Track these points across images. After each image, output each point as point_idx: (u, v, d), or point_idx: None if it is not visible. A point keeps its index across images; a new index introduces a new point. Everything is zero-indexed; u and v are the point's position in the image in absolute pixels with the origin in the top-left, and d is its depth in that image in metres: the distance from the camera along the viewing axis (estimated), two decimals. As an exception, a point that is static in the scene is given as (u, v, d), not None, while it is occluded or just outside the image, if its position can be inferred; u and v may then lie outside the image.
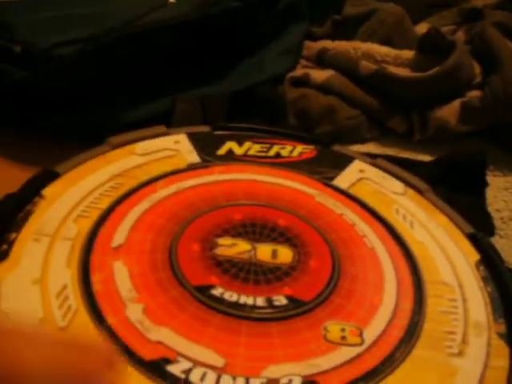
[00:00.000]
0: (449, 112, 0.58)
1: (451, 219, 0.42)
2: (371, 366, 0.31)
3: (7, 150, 0.50)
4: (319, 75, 0.61)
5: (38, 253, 0.34)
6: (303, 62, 0.65)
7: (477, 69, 0.61)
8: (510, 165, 0.56)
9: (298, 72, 0.62)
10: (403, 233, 0.40)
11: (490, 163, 0.53)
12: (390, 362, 0.31)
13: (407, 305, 0.35)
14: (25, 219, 0.37)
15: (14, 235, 0.35)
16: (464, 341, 0.33)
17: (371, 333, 0.33)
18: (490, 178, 0.53)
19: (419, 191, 0.45)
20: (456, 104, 0.58)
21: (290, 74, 0.62)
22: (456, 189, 0.46)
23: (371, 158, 0.48)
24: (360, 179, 0.45)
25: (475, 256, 0.39)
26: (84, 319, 0.31)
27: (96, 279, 0.33)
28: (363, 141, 0.59)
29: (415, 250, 0.39)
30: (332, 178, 0.45)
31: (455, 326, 0.34)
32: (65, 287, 0.32)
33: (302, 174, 0.44)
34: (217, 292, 0.33)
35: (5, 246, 0.35)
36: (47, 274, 0.33)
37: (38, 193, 0.39)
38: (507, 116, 0.57)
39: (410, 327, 0.33)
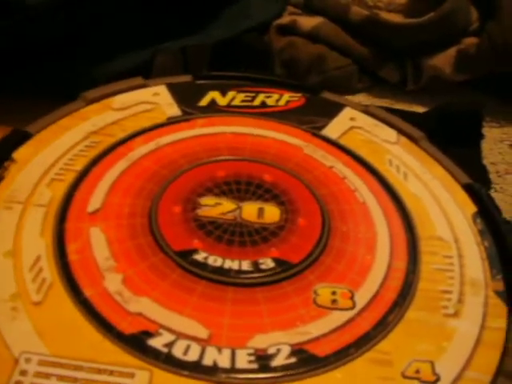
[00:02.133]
0: (444, 60, 0.55)
1: (447, 169, 0.40)
2: (363, 331, 0.29)
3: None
4: (307, 22, 0.58)
5: (10, 222, 0.32)
6: (290, 8, 0.62)
7: (474, 14, 0.58)
8: (506, 115, 0.54)
9: (285, 19, 0.59)
10: (396, 185, 0.38)
11: (486, 114, 0.51)
12: (382, 326, 0.30)
13: (401, 264, 0.33)
14: (-6, 185, 0.35)
15: (-17, 203, 0.33)
16: (460, 300, 0.31)
17: (363, 295, 0.31)
18: (485, 130, 0.51)
19: (413, 140, 0.42)
20: (451, 52, 0.55)
21: (277, 22, 0.59)
22: (450, 141, 0.44)
23: (363, 106, 0.45)
24: (351, 128, 0.43)
25: (472, 208, 0.37)
26: (60, 293, 0.29)
27: (72, 248, 0.31)
28: (354, 91, 0.56)
29: (409, 204, 0.37)
30: (321, 128, 0.42)
31: (451, 284, 0.32)
32: (38, 259, 0.31)
33: (290, 125, 0.42)
34: (200, 257, 0.32)
35: (-27, 216, 0.33)
36: (20, 245, 0.31)
37: (9, 156, 0.36)
38: (505, 65, 0.54)
39: (403, 288, 0.32)
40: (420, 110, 0.53)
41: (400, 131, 0.43)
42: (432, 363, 0.28)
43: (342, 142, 0.41)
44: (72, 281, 0.30)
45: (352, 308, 0.30)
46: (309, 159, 0.39)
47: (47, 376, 0.26)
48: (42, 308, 0.28)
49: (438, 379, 0.28)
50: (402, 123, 0.44)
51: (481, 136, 0.48)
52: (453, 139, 0.44)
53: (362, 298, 0.31)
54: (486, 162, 0.48)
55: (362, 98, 0.55)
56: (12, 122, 0.39)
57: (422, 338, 0.30)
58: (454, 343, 0.30)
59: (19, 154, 0.37)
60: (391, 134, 0.43)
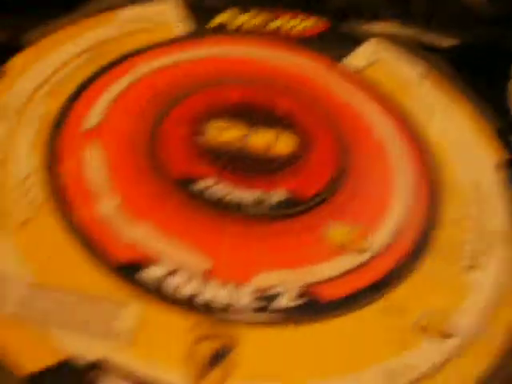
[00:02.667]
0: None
1: (475, 109, 0.37)
2: (376, 277, 0.27)
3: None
4: None
5: (1, 132, 0.30)
6: None
7: None
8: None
9: None
10: (419, 124, 0.35)
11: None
12: (396, 274, 0.27)
13: (419, 209, 0.30)
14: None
15: (-30, 114, 0.30)
16: (480, 252, 0.29)
17: (378, 239, 0.29)
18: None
19: (440, 75, 0.39)
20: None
21: None
22: (476, 78, 0.40)
23: (388, 36, 0.42)
24: (375, 59, 0.39)
25: (498, 154, 0.34)
26: (49, 213, 0.27)
27: (65, 166, 0.29)
28: (380, 19, 0.52)
29: (432, 145, 0.34)
30: (343, 57, 0.39)
31: (471, 234, 0.30)
32: (28, 176, 0.28)
33: (308, 51, 0.39)
34: (203, 185, 0.29)
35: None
36: (9, 159, 0.29)
37: (2, 65, 0.33)
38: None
39: (421, 235, 0.29)
40: (447, 43, 0.49)
41: (426, 66, 0.40)
42: (446, 316, 0.26)
43: (365, 73, 0.38)
44: (63, 202, 0.27)
45: (365, 251, 0.28)
46: (327, 89, 0.36)
47: (31, 302, 0.24)
48: (28, 228, 0.26)
49: (451, 333, 0.26)
50: (429, 57, 0.40)
51: (508, 76, 0.44)
52: (479, 77, 0.41)
53: (377, 241, 0.29)
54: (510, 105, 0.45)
55: (387, 28, 0.51)
56: (4, 33, 0.36)
57: (437, 289, 0.27)
58: (470, 296, 0.27)
59: (10, 66, 0.34)
60: (417, 68, 0.39)
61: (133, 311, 0.24)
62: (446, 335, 0.26)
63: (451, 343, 0.25)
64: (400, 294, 0.27)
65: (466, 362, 0.25)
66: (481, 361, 0.25)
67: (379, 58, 0.40)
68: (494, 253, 0.29)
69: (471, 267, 0.28)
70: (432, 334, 0.26)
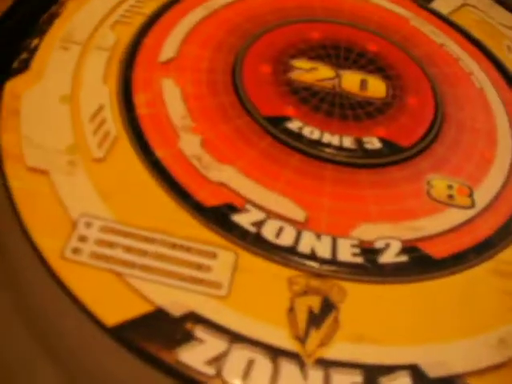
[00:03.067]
0: None
1: None
2: (484, 236, 0.24)
3: None
4: None
5: (67, 63, 0.27)
6: None
7: None
8: None
9: None
10: (515, 73, 0.32)
11: None
12: (506, 232, 0.25)
13: (527, 163, 0.28)
14: (49, 22, 0.29)
15: (36, 41, 0.28)
16: None
17: (483, 194, 0.26)
18: None
19: (534, 25, 0.36)
20: None
21: None
22: None
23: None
24: (463, 4, 0.36)
25: None
26: (126, 150, 0.24)
27: (140, 100, 0.26)
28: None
29: (532, 95, 0.31)
30: (430, 0, 0.35)
31: None
32: (101, 108, 0.25)
33: (394, -7, 0.35)
34: (294, 126, 0.26)
35: (25, 55, 0.27)
36: (79, 90, 0.26)
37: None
38: None
39: (531, 189, 0.26)
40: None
41: (518, 14, 0.36)
42: None
43: (454, 19, 0.35)
44: (141, 137, 0.24)
45: (471, 207, 0.25)
46: (417, 33, 0.33)
47: (111, 245, 0.21)
48: (104, 165, 0.23)
49: None
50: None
51: None
52: None
53: (482, 196, 0.26)
54: None
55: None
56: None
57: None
58: None
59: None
60: (509, 17, 0.36)
61: (228, 257, 0.21)
62: None
63: None
64: (511, 253, 0.24)
65: None
66: None
67: (467, 3, 0.36)
68: None
69: None
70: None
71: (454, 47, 0.33)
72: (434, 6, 0.35)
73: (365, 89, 0.29)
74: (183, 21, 0.30)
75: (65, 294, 0.20)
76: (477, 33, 0.34)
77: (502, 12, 0.36)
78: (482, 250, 0.24)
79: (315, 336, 0.20)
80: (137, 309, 0.20)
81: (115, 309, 0.20)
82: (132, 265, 0.21)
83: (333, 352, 0.20)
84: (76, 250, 0.21)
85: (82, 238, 0.21)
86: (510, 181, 0.27)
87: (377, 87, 0.29)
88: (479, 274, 0.23)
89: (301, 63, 0.29)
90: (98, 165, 0.23)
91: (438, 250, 0.23)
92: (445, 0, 0.36)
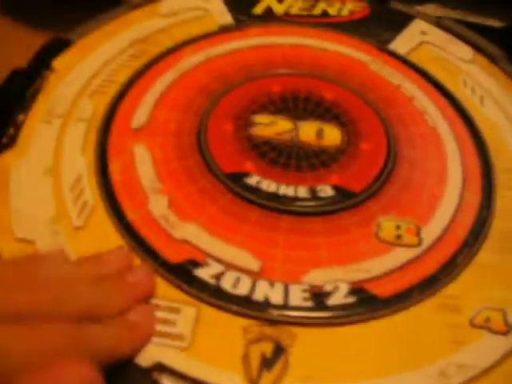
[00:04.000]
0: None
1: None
2: (429, 273, 0.27)
3: (14, 15, 0.43)
4: None
5: (50, 137, 0.30)
6: None
7: None
8: None
9: None
10: (471, 110, 0.34)
11: None
12: (450, 268, 0.27)
13: (473, 198, 0.30)
14: (33, 97, 0.32)
15: (22, 116, 0.31)
16: (540, 242, 0.28)
17: (431, 231, 0.28)
18: None
19: (491, 58, 0.38)
20: None
21: None
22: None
23: (435, 18, 0.40)
24: (421, 43, 0.38)
25: (556, 138, 0.33)
26: (101, 216, 0.27)
27: (115, 167, 0.29)
28: (424, 1, 0.50)
29: (485, 131, 0.33)
30: (388, 42, 0.38)
31: (530, 223, 0.29)
32: (80, 178, 0.28)
33: (353, 37, 0.38)
34: (253, 181, 0.29)
35: (12, 130, 0.30)
36: (60, 161, 0.29)
37: (48, 65, 0.34)
38: None
39: (475, 226, 0.29)
40: (497, 24, 0.47)
41: (476, 48, 0.38)
42: (504, 312, 0.26)
43: (411, 58, 0.37)
44: (114, 203, 0.28)
45: (418, 245, 0.27)
46: (374, 76, 0.35)
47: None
48: (83, 232, 0.26)
49: (509, 330, 0.25)
50: (479, 39, 0.39)
51: None
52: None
53: (430, 234, 0.28)
54: None
55: (432, 9, 0.49)
56: (52, 28, 0.36)
57: (494, 284, 0.27)
58: (529, 287, 0.27)
59: (59, 62, 0.34)
60: (466, 51, 0.38)
61: (189, 314, 0.24)
62: (504, 331, 0.25)
63: (509, 339, 0.25)
64: (455, 288, 0.26)
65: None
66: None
67: (425, 40, 0.39)
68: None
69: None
70: (489, 331, 0.25)
71: (410, 87, 0.35)
72: (393, 46, 0.38)
73: (321, 138, 0.31)
74: (154, 86, 0.33)
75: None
76: (434, 69, 0.37)
77: (459, 46, 0.38)
78: (427, 286, 0.26)
79: (267, 378, 0.23)
80: (110, 362, 0.23)
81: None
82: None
83: (283, 392, 0.23)
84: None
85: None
86: (458, 216, 0.29)
87: (332, 135, 0.31)
88: (423, 310, 0.26)
89: (261, 118, 0.32)
90: (78, 233, 0.26)
91: (383, 290, 0.26)
92: (403, 40, 0.38)
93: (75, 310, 0.21)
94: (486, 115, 0.34)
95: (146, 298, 0.24)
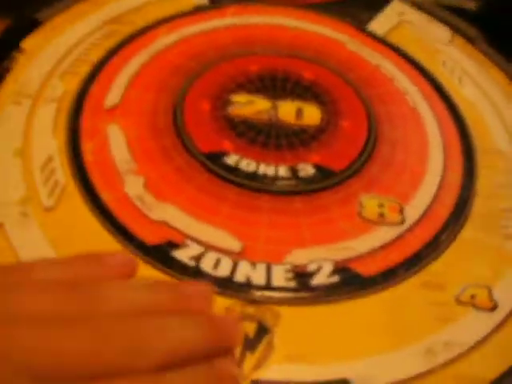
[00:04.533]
0: None
1: (506, 73, 0.35)
2: (413, 251, 0.26)
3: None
4: None
5: (19, 118, 0.29)
6: None
7: None
8: None
9: None
10: (451, 90, 0.34)
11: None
12: (434, 246, 0.26)
13: (455, 177, 0.29)
14: (1, 78, 0.31)
15: (-11, 96, 0.30)
16: (522, 219, 0.28)
17: (413, 210, 0.28)
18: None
19: (469, 39, 0.37)
20: None
21: None
22: (503, 39, 0.38)
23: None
24: (400, 23, 0.38)
25: (535, 117, 0.33)
26: (74, 197, 0.26)
27: (87, 148, 0.28)
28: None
29: (465, 111, 0.33)
30: (367, 22, 0.37)
31: (509, 202, 0.29)
32: (50, 159, 0.27)
33: (331, 17, 0.37)
34: (231, 160, 0.28)
35: (-22, 110, 0.29)
36: (30, 143, 0.28)
37: (16, 45, 0.32)
38: None
39: (458, 204, 0.28)
40: (472, 5, 0.47)
41: (454, 30, 0.38)
42: (489, 288, 0.25)
43: (390, 38, 0.37)
44: (88, 184, 0.26)
45: (401, 223, 0.27)
46: (353, 56, 0.35)
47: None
48: (54, 214, 0.25)
49: (495, 306, 0.25)
50: (457, 20, 0.39)
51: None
52: (504, 38, 0.39)
53: (412, 212, 0.27)
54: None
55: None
56: (21, 7, 0.35)
57: (478, 261, 0.26)
58: (513, 266, 0.26)
59: (28, 43, 0.33)
60: (445, 32, 0.38)
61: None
62: (490, 307, 0.25)
63: (495, 315, 0.25)
64: (440, 266, 0.26)
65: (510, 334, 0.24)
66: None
67: (403, 21, 0.38)
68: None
69: (512, 236, 0.27)
70: (475, 307, 0.25)
71: (389, 67, 0.34)
72: (371, 27, 0.37)
73: (300, 117, 0.30)
74: (127, 66, 0.32)
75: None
76: (413, 50, 0.36)
77: (437, 27, 0.38)
78: (411, 264, 0.26)
79: (250, 360, 0.22)
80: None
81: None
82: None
83: (267, 373, 0.22)
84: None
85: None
86: (440, 195, 0.28)
87: (312, 114, 0.31)
88: (407, 288, 0.25)
89: (239, 97, 0.31)
90: (49, 214, 0.25)
91: (368, 269, 0.25)
92: (381, 20, 0.38)
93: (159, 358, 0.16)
94: (465, 95, 0.34)
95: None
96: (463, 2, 0.47)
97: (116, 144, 0.28)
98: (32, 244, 0.24)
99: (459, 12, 0.42)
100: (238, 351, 0.22)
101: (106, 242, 0.25)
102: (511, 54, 0.37)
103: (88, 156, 0.27)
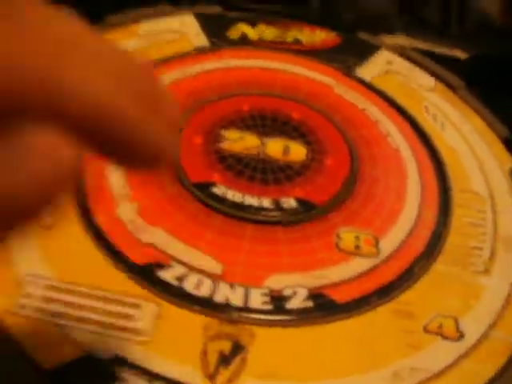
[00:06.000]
0: (492, 1, 0.51)
1: (486, 121, 0.38)
2: (386, 281, 0.28)
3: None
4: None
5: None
6: None
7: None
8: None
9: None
10: (432, 135, 0.36)
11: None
12: (407, 277, 0.28)
13: (430, 214, 0.31)
14: None
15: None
16: (491, 258, 0.29)
17: (388, 243, 0.29)
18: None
19: (452, 88, 0.40)
20: (501, -8, 0.51)
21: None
22: (492, 90, 0.41)
23: (399, 49, 0.42)
24: (386, 71, 0.40)
25: (510, 163, 0.35)
26: (71, 218, 0.28)
27: (85, 173, 0.30)
28: (392, 31, 0.52)
29: (444, 155, 0.35)
30: (355, 68, 0.40)
31: (482, 240, 0.30)
32: (50, 180, 0.29)
33: (321, 63, 0.40)
34: (219, 190, 0.30)
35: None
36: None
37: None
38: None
39: (432, 239, 0.30)
40: (462, 56, 0.50)
41: (438, 78, 0.40)
42: (456, 319, 0.27)
43: (376, 84, 0.39)
44: (84, 206, 0.28)
45: (376, 255, 0.29)
46: (340, 100, 0.37)
47: (52, 300, 0.25)
48: (52, 232, 0.27)
49: (461, 336, 0.26)
50: (441, 70, 0.41)
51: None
52: (495, 88, 0.41)
53: (388, 245, 0.29)
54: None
55: (399, 40, 0.51)
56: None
57: (447, 293, 0.28)
58: (481, 301, 0.28)
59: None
60: (429, 80, 0.40)
61: (150, 310, 0.25)
62: (456, 338, 0.26)
63: (461, 345, 0.26)
64: (411, 296, 0.27)
65: (475, 364, 0.25)
66: (490, 363, 0.26)
67: (390, 69, 0.41)
68: (506, 258, 0.30)
69: (483, 272, 0.29)
70: (442, 337, 0.26)
71: (374, 111, 0.37)
72: (359, 73, 0.39)
73: (287, 154, 0.32)
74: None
75: (8, 342, 0.24)
76: (398, 96, 0.38)
77: (422, 75, 0.40)
78: (384, 293, 0.27)
79: (224, 375, 0.23)
80: (71, 354, 0.23)
81: (51, 354, 0.23)
82: (69, 317, 0.24)
83: (240, 388, 0.23)
84: (22, 306, 0.24)
85: (28, 295, 0.25)
86: (414, 231, 0.30)
87: (298, 151, 0.33)
88: (381, 315, 0.27)
89: (230, 133, 0.33)
90: (46, 231, 0.27)
91: (341, 296, 0.27)
92: (369, 67, 0.40)
93: None
94: (445, 140, 0.36)
95: None
96: (452, 51, 0.50)
97: (113, 172, 0.30)
98: (28, 256, 0.26)
99: (447, 60, 0.45)
100: (213, 366, 0.23)
101: (96, 260, 0.26)
102: (493, 100, 0.39)
103: (86, 180, 0.29)
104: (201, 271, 0.26)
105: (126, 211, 0.28)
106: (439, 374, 0.25)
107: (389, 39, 0.50)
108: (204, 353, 0.24)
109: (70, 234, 0.27)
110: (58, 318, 0.24)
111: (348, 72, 0.39)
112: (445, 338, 0.26)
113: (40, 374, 0.23)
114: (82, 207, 0.28)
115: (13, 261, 0.26)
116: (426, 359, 0.25)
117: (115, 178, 0.30)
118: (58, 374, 0.22)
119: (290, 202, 0.30)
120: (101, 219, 0.28)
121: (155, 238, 0.27)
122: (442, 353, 0.26)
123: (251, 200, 0.30)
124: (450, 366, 0.25)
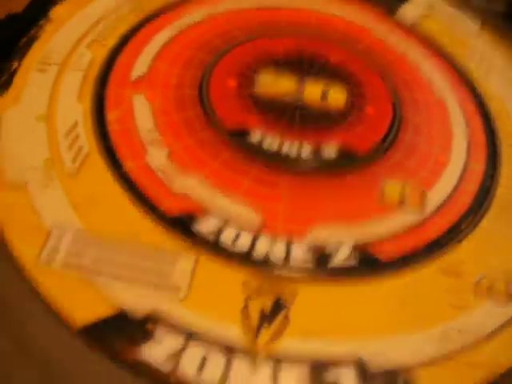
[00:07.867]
0: None
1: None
2: (432, 237, 0.26)
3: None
4: None
5: (44, 84, 0.29)
6: None
7: None
8: None
9: None
10: (478, 82, 0.34)
11: None
12: (454, 234, 0.26)
13: (478, 166, 0.29)
14: (28, 45, 0.31)
15: (15, 64, 0.30)
16: (544, 211, 0.28)
17: (435, 196, 0.27)
18: None
19: (497, 32, 0.37)
20: None
21: None
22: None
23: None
24: (428, 13, 0.38)
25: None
26: (97, 163, 0.26)
27: (112, 116, 0.28)
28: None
29: (491, 104, 0.32)
30: (395, 10, 0.37)
31: (534, 192, 0.29)
32: (75, 125, 0.27)
33: (361, 3, 0.37)
34: (255, 137, 0.28)
35: (5, 77, 0.29)
36: (54, 109, 0.28)
37: (45, 14, 0.32)
38: None
39: (480, 193, 0.28)
40: (499, 7, 0.47)
41: (483, 22, 0.38)
42: (506, 280, 0.25)
43: (418, 26, 0.36)
44: (111, 152, 0.26)
45: (422, 210, 0.27)
46: (380, 43, 0.35)
47: (81, 253, 0.23)
48: (77, 178, 0.25)
49: (511, 298, 0.25)
50: (486, 13, 0.38)
51: None
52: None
53: (434, 199, 0.27)
54: None
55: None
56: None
57: (497, 251, 0.26)
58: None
59: (56, 12, 0.33)
60: (473, 24, 0.38)
61: (187, 263, 0.23)
62: (506, 300, 0.25)
63: (510, 308, 0.24)
64: (459, 253, 0.26)
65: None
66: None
67: (433, 10, 0.38)
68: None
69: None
70: (492, 296, 0.25)
71: (416, 56, 0.34)
72: (398, 15, 0.37)
73: (325, 99, 0.30)
74: (154, 40, 0.32)
75: (37, 299, 0.22)
76: (440, 40, 0.36)
77: (466, 19, 0.38)
78: (429, 251, 0.26)
79: (266, 332, 0.22)
80: (103, 311, 0.22)
81: (83, 311, 0.22)
82: (99, 272, 0.23)
83: (282, 347, 0.22)
84: (49, 258, 0.23)
85: (55, 247, 0.23)
86: (461, 185, 0.28)
87: (337, 97, 0.30)
88: (428, 273, 0.25)
89: (265, 77, 0.31)
90: (72, 178, 0.25)
91: (386, 253, 0.25)
92: (409, 10, 0.37)
93: None
94: (492, 88, 0.33)
95: None
96: (491, 4, 0.47)
97: (141, 114, 0.28)
98: (54, 205, 0.24)
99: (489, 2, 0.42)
100: (254, 324, 0.22)
101: (126, 209, 0.25)
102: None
103: (112, 124, 0.27)
104: (239, 224, 0.25)
105: (156, 158, 0.26)
106: (487, 337, 0.23)
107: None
108: (245, 310, 0.22)
109: (97, 182, 0.26)
110: (87, 273, 0.22)
111: (388, 13, 0.36)
112: (494, 299, 0.25)
113: (71, 333, 0.21)
114: (108, 152, 0.26)
115: (39, 210, 0.24)
116: (475, 320, 0.24)
117: (143, 121, 0.28)
118: (91, 332, 0.21)
119: (330, 151, 0.28)
120: (129, 166, 0.26)
121: (188, 187, 0.26)
122: (491, 314, 0.24)
123: (289, 148, 0.28)
124: (500, 328, 0.24)
